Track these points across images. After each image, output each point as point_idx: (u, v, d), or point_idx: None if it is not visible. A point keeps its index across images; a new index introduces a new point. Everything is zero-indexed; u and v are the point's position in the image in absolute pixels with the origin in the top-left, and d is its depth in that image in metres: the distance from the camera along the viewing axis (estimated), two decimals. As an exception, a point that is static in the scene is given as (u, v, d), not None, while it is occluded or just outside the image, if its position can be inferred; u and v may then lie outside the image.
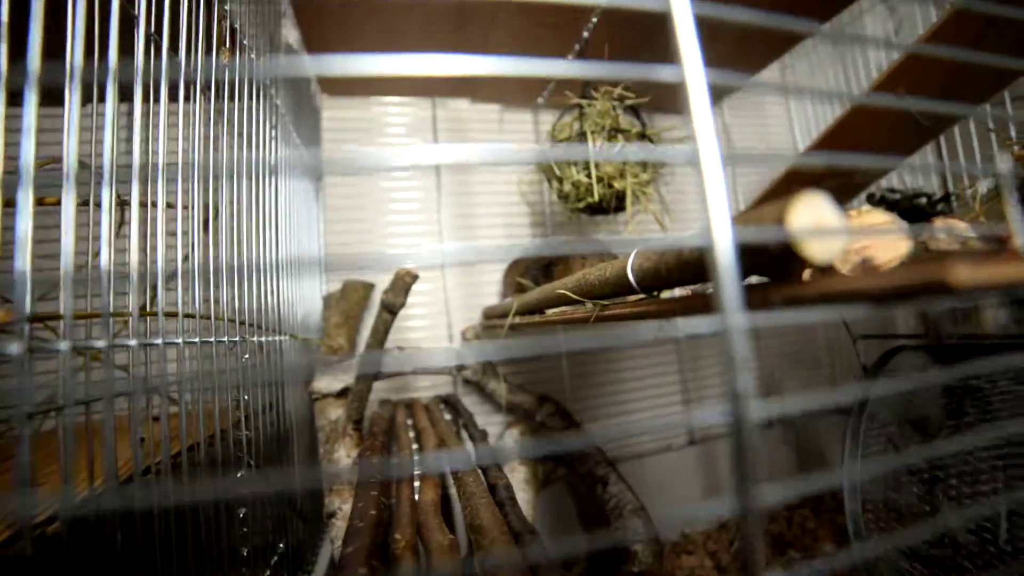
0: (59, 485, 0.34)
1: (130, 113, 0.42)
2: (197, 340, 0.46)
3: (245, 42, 0.68)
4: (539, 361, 1.31)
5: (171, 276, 0.49)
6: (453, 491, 0.99)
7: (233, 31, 0.64)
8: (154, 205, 0.42)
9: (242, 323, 0.60)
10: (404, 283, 0.81)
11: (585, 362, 1.34)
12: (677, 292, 0.50)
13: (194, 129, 0.53)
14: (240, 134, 0.65)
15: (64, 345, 0.27)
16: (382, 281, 1.16)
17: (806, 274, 0.28)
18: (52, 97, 0.33)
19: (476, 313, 1.26)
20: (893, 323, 1.36)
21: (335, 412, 0.93)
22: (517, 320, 0.84)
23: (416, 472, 0.67)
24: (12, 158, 0.30)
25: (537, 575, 0.37)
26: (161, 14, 0.47)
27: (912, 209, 0.93)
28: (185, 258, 0.53)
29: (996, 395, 0.82)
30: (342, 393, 0.96)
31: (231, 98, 0.62)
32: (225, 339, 0.53)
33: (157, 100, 0.45)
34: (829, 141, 1.02)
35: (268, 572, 0.65)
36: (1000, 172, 0.36)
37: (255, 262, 0.67)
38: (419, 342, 1.22)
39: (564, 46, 1.12)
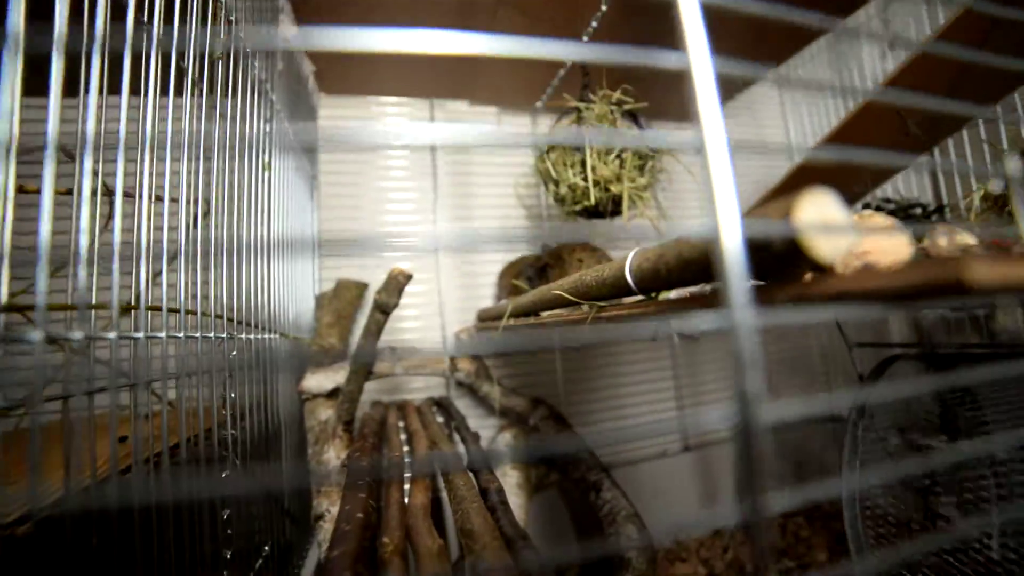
0: (32, 482, 0.33)
1: (117, 91, 0.40)
2: (182, 335, 0.45)
3: (241, 35, 0.67)
4: (533, 364, 1.30)
5: (156, 273, 0.48)
6: (444, 494, 0.98)
7: (229, 23, 0.63)
8: (138, 195, 0.41)
9: (230, 320, 0.59)
10: (398, 283, 0.80)
11: (579, 366, 1.33)
12: (673, 294, 0.50)
13: (185, 122, 0.52)
14: (233, 130, 0.64)
15: (36, 335, 0.26)
16: (376, 281, 1.15)
17: (806, 277, 0.28)
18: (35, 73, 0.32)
19: (470, 315, 1.25)
20: (887, 332, 1.36)
21: (325, 413, 0.92)
22: (512, 323, 0.83)
23: (407, 475, 0.66)
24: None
25: (528, 582, 0.36)
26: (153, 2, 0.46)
27: (906, 220, 0.93)
28: (172, 257, 0.52)
29: (990, 405, 0.82)
30: (332, 393, 0.95)
31: (224, 93, 0.61)
32: (212, 335, 0.51)
33: (146, 88, 0.44)
34: (799, 175, 1.03)
35: (251, 575, 0.63)
36: (1010, 174, 0.36)
37: (245, 246, 0.65)
38: (412, 343, 1.21)
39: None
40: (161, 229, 0.46)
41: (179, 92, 0.53)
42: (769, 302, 0.22)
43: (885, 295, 0.19)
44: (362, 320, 1.13)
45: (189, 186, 0.53)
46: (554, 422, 1.05)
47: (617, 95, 1.02)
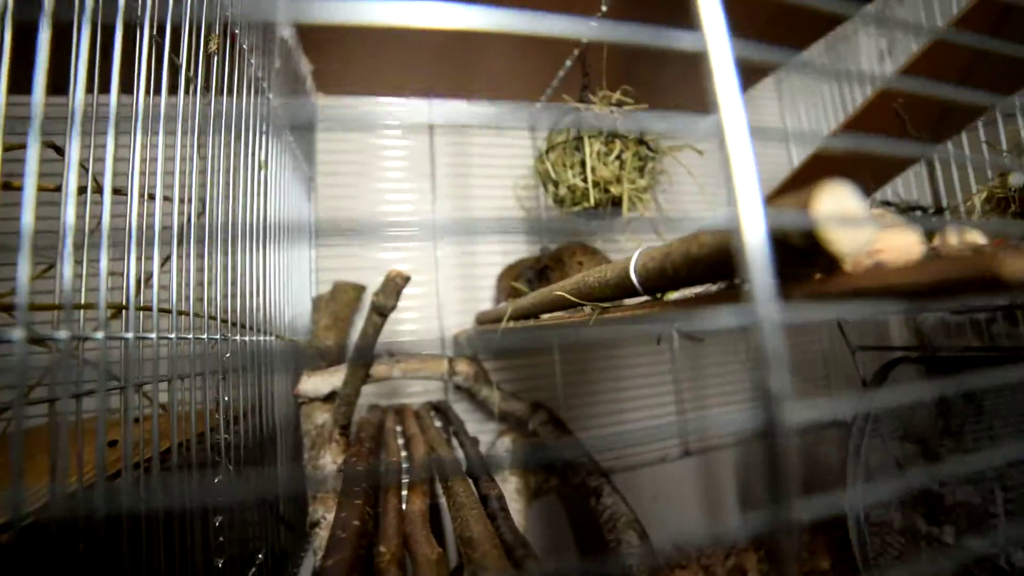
0: (15, 488, 0.31)
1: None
2: (174, 336, 0.44)
3: (236, 31, 0.66)
4: (532, 369, 1.29)
5: (148, 276, 0.46)
6: (442, 501, 0.96)
7: (225, 19, 0.62)
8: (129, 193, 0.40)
9: (224, 321, 0.57)
10: (395, 285, 0.79)
11: (579, 370, 1.32)
12: (675, 295, 0.48)
13: (179, 120, 0.51)
14: (229, 127, 0.63)
15: (17, 334, 0.25)
16: (373, 284, 1.14)
17: (817, 274, 0.27)
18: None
19: (469, 318, 1.24)
20: (888, 336, 1.36)
21: (321, 417, 0.90)
22: (511, 325, 0.82)
23: (404, 480, 0.65)
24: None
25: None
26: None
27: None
28: (165, 259, 0.51)
29: (992, 409, 0.81)
30: (329, 397, 0.93)
31: (220, 91, 0.60)
32: (205, 336, 0.50)
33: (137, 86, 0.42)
34: (812, 165, 1.02)
35: (245, 585, 0.62)
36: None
37: (240, 245, 0.64)
38: (410, 347, 1.19)
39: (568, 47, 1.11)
40: (153, 228, 0.45)
41: (172, 90, 0.52)
42: (785, 299, 0.21)
43: (916, 291, 0.18)
44: (359, 323, 1.12)
45: (183, 186, 0.52)
46: (553, 427, 1.04)
47: (617, 95, 1.01)
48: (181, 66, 0.54)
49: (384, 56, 1.12)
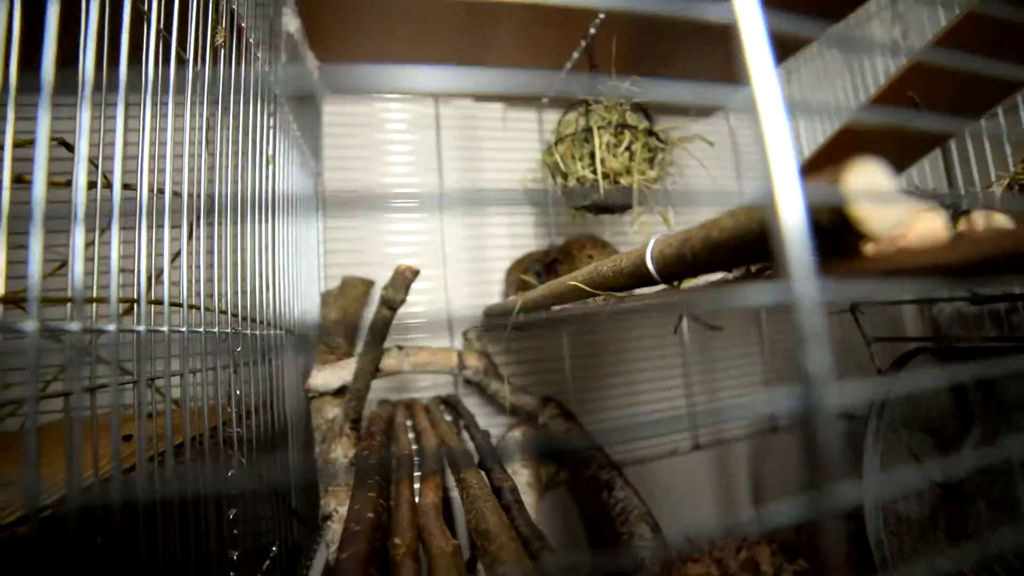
0: (30, 480, 0.31)
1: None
2: (185, 330, 0.44)
3: (243, 24, 0.66)
4: (542, 363, 1.28)
5: (159, 272, 0.46)
6: (454, 495, 0.96)
7: (232, 12, 0.62)
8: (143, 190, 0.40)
9: (235, 315, 0.57)
10: (405, 279, 0.79)
11: (589, 364, 1.31)
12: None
13: (187, 116, 0.50)
14: (237, 124, 0.63)
15: (30, 325, 0.25)
16: (382, 279, 1.14)
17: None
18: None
19: (477, 312, 1.23)
20: (902, 327, 1.33)
21: (332, 411, 0.91)
22: (522, 318, 0.81)
23: (416, 474, 0.64)
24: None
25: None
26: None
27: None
28: (175, 256, 0.51)
29: (1015, 401, 0.79)
30: (339, 391, 0.94)
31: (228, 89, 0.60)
32: (216, 330, 0.50)
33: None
34: (837, 144, 1.00)
35: (259, 577, 0.62)
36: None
37: (249, 239, 0.64)
38: (418, 342, 1.19)
39: (572, 42, 1.10)
40: (163, 221, 0.45)
41: (179, 88, 0.51)
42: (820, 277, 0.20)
43: (952, 269, 0.17)
44: (368, 318, 1.12)
45: (192, 183, 0.51)
46: (564, 420, 1.03)
47: (626, 87, 1.00)
48: (188, 59, 0.53)
49: (391, 51, 1.11)
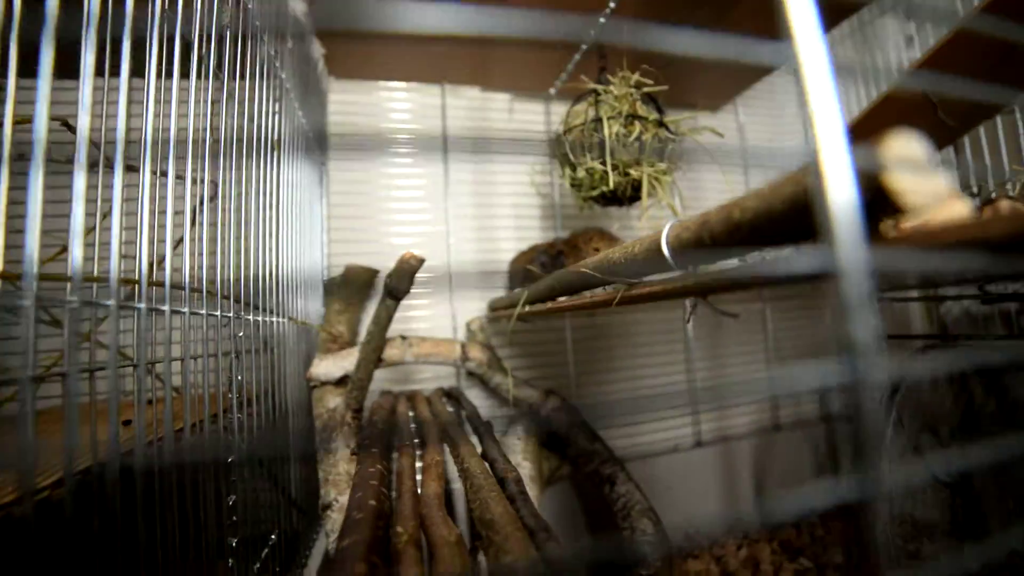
0: (26, 462, 0.31)
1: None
2: (186, 310, 0.43)
3: (250, 7, 0.64)
4: (545, 356, 1.27)
5: (161, 258, 0.45)
6: (456, 486, 0.95)
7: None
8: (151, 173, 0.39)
9: (237, 300, 0.56)
10: (409, 268, 0.78)
11: (592, 357, 1.30)
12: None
13: (191, 102, 0.49)
14: (241, 105, 0.61)
15: (27, 300, 0.24)
16: (386, 269, 1.13)
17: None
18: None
19: (482, 303, 1.22)
20: (909, 325, 1.32)
21: (334, 400, 0.90)
22: (527, 309, 0.80)
23: (418, 466, 0.64)
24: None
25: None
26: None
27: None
28: (178, 241, 0.50)
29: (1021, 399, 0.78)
30: (341, 381, 0.93)
31: (233, 73, 0.59)
32: (218, 313, 0.49)
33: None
34: (876, 113, 0.96)
35: (258, 565, 0.61)
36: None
37: (253, 225, 0.63)
38: (422, 332, 1.18)
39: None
40: (165, 213, 0.44)
41: (185, 72, 0.50)
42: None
43: (993, 243, 0.16)
44: (372, 307, 1.11)
45: (195, 169, 0.50)
46: (566, 413, 1.02)
47: (636, 77, 0.98)
48: (193, 44, 0.52)
49: (397, 39, 1.09)
